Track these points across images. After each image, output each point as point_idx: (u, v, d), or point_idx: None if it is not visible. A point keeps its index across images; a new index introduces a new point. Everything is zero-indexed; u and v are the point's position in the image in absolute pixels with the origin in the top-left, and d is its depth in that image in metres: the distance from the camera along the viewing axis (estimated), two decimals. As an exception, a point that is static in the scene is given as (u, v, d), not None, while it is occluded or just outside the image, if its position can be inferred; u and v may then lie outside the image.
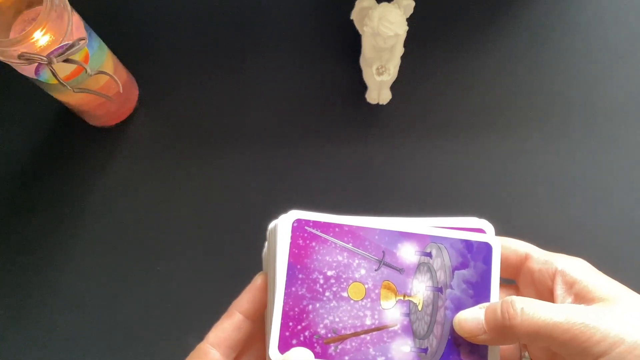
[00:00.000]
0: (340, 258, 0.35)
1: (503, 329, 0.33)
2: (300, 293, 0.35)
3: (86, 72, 0.47)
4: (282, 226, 0.36)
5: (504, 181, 0.56)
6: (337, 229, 0.36)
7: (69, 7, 0.44)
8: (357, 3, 0.54)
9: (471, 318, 0.34)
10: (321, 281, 0.35)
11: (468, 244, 0.36)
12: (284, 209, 0.38)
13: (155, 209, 0.56)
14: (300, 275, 0.35)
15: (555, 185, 0.56)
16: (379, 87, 0.55)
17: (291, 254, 0.35)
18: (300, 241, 0.36)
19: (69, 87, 0.46)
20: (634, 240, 0.55)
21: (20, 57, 0.42)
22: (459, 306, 0.35)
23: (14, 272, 0.54)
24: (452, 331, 0.35)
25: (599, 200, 0.56)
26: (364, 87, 0.56)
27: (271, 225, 0.38)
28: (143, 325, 0.53)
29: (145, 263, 0.55)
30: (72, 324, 0.54)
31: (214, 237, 0.55)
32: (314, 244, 0.35)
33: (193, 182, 0.56)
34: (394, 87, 0.55)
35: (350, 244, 0.36)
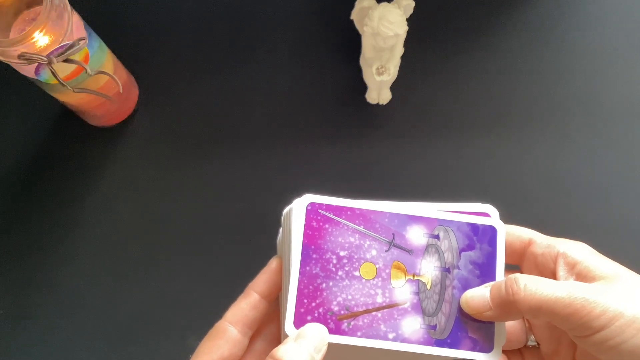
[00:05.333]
0: (352, 239, 0.37)
1: (507, 304, 0.34)
2: (314, 272, 0.36)
3: (86, 72, 0.47)
4: (297, 209, 0.38)
5: (504, 179, 0.57)
6: (349, 212, 0.38)
7: (69, 7, 0.44)
8: (357, 3, 0.54)
9: (477, 296, 0.36)
10: (334, 261, 0.37)
11: (474, 227, 0.38)
12: (282, 209, 0.38)
13: (156, 208, 0.56)
14: (314, 256, 0.37)
15: (555, 181, 0.57)
16: (379, 87, 0.55)
17: (305, 236, 0.37)
18: (314, 223, 0.37)
19: (69, 87, 0.47)
20: (631, 236, 0.55)
21: (20, 57, 0.43)
22: (466, 286, 0.37)
23: (14, 272, 0.55)
24: (460, 309, 0.37)
25: (598, 194, 0.57)
26: (364, 87, 0.56)
27: (286, 209, 0.40)
28: (143, 325, 0.54)
29: (145, 263, 0.55)
30: (72, 324, 0.54)
31: (214, 237, 0.55)
32: (327, 226, 0.37)
33: (193, 182, 0.56)
34: (394, 87, 0.56)
35: (362, 226, 0.37)
